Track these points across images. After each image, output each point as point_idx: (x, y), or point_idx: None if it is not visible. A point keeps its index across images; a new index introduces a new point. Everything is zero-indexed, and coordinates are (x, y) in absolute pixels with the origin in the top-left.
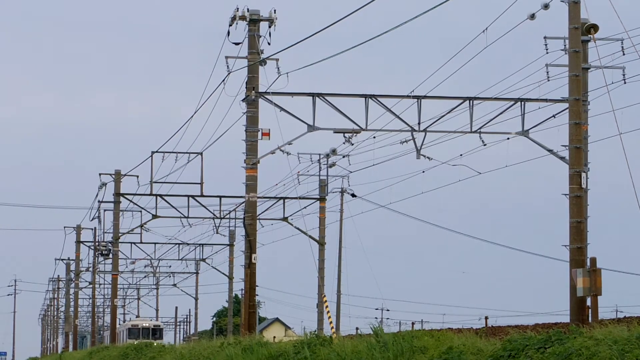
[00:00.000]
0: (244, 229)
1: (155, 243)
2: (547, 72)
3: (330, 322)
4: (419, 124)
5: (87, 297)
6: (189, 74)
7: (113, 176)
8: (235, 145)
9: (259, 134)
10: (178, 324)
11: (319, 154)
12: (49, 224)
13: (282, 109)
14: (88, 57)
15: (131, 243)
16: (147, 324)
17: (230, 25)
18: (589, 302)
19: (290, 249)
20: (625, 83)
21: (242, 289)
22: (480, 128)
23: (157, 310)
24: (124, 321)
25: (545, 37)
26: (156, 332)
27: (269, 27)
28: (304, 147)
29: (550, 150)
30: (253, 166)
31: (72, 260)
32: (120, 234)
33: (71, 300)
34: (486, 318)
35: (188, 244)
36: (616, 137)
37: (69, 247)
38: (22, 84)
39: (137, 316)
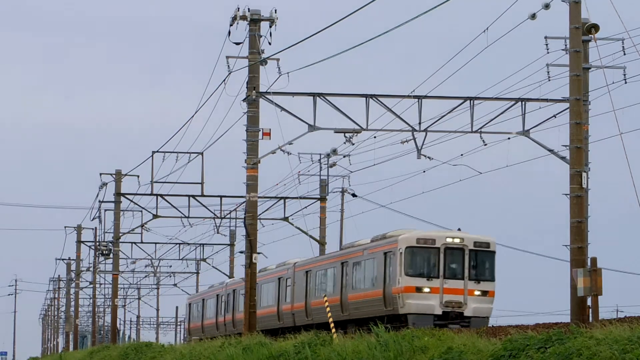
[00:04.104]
0: (245, 228)
1: (155, 243)
2: (548, 72)
3: (331, 322)
4: (419, 123)
5: (87, 297)
6: (189, 74)
7: (114, 176)
8: (235, 145)
9: (260, 133)
10: (179, 323)
11: (320, 154)
12: (50, 224)
13: (282, 108)
14: (88, 56)
15: (132, 243)
16: (458, 238)
17: (231, 25)
18: (589, 302)
19: (290, 248)
20: (625, 83)
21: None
22: (480, 128)
23: (157, 310)
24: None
25: (546, 37)
26: (479, 257)
27: (270, 27)
28: (305, 147)
29: (550, 150)
30: (254, 166)
31: (73, 260)
32: (120, 234)
33: (72, 300)
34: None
35: (189, 244)
36: (617, 137)
37: (69, 247)
38: (22, 84)
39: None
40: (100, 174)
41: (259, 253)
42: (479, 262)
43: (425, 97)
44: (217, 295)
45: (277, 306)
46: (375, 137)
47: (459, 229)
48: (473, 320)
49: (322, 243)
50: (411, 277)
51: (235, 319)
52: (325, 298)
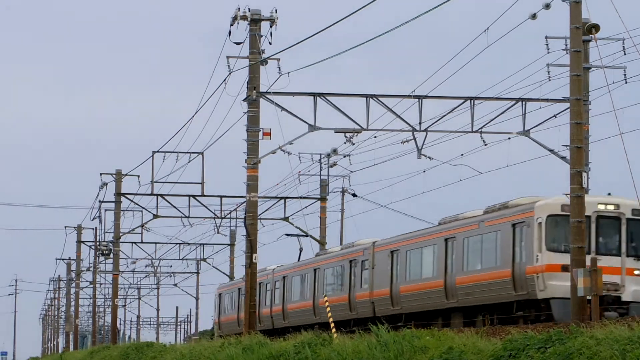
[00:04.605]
0: (245, 228)
1: (156, 243)
2: (548, 72)
3: (331, 322)
4: (420, 123)
5: (87, 297)
6: (189, 74)
7: (114, 176)
8: (236, 145)
9: (260, 133)
10: (179, 323)
11: (320, 154)
12: (50, 223)
13: (283, 108)
14: (89, 56)
15: (132, 243)
16: (612, 204)
17: (231, 25)
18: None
19: (291, 248)
20: (626, 83)
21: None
22: (481, 128)
23: (157, 310)
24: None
25: (546, 37)
26: (639, 229)
27: (270, 26)
28: (305, 147)
29: (551, 150)
30: (254, 166)
31: (73, 260)
32: (121, 234)
33: (72, 300)
34: (487, 317)
35: (189, 244)
36: (617, 137)
37: (69, 247)
38: (22, 84)
39: None
40: (101, 174)
41: (306, 235)
42: (638, 234)
43: (426, 97)
44: (260, 283)
45: (349, 294)
46: (375, 137)
47: (609, 194)
48: (632, 307)
49: (322, 243)
50: (556, 252)
51: (286, 311)
52: (326, 298)
